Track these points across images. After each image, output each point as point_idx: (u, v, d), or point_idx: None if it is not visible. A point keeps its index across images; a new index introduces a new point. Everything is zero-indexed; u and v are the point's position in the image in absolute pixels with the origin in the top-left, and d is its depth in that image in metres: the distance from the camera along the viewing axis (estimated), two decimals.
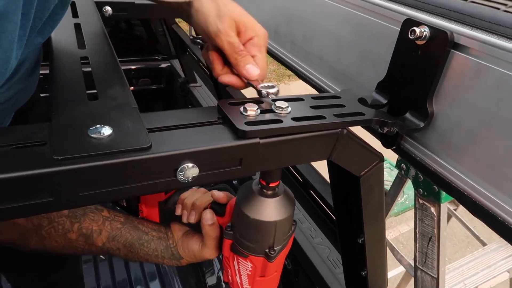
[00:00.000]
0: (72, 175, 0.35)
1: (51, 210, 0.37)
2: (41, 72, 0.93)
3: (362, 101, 0.55)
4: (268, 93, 0.52)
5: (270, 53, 0.96)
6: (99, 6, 0.89)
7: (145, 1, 0.97)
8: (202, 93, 1.86)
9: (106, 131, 0.39)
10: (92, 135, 0.39)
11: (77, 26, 0.71)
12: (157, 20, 2.03)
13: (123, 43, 2.10)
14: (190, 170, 0.40)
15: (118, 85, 0.51)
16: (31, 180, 0.34)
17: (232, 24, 0.56)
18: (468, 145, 0.49)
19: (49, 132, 0.39)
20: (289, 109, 0.47)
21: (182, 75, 1.97)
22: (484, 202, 0.48)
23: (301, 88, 5.11)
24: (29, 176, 0.34)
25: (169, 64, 2.14)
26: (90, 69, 0.54)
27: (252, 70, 0.54)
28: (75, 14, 0.77)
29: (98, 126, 0.40)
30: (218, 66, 0.60)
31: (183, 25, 2.02)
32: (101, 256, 1.77)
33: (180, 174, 0.40)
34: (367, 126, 0.58)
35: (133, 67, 2.09)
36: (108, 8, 0.91)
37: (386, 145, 0.59)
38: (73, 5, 0.81)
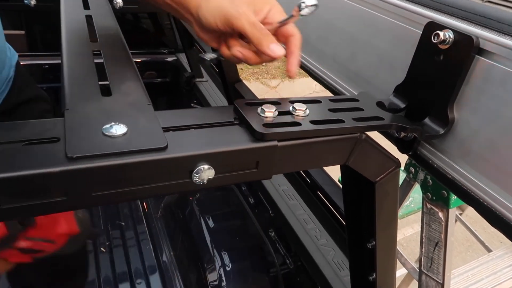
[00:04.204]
0: (87, 174, 0.34)
1: (62, 209, 0.36)
2: (46, 62, 0.93)
3: (380, 104, 0.54)
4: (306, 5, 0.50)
5: None
6: None
7: None
8: (209, 88, 1.84)
9: (121, 129, 0.38)
10: (107, 133, 0.37)
11: (89, 18, 0.69)
12: (164, 13, 2.01)
13: (129, 35, 2.08)
14: (206, 172, 0.39)
15: (132, 81, 0.50)
16: (44, 179, 0.33)
17: (248, 4, 0.54)
18: (489, 153, 0.48)
19: (63, 128, 0.38)
20: (308, 111, 0.46)
21: (189, 69, 1.95)
22: (505, 212, 0.47)
23: (305, 86, 5.09)
24: (42, 175, 0.33)
25: (175, 58, 2.12)
26: (103, 62, 0.53)
27: (276, 49, 0.51)
28: (86, 6, 0.75)
29: (113, 123, 0.39)
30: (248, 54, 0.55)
31: None
32: (102, 249, 1.76)
33: (196, 176, 0.39)
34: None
35: (138, 60, 2.08)
36: (119, 0, 0.90)
37: (403, 150, 0.58)
38: None
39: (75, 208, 0.37)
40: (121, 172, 0.36)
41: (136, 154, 0.36)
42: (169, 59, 2.13)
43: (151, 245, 1.76)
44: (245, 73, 5.55)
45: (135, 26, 2.14)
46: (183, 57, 2.07)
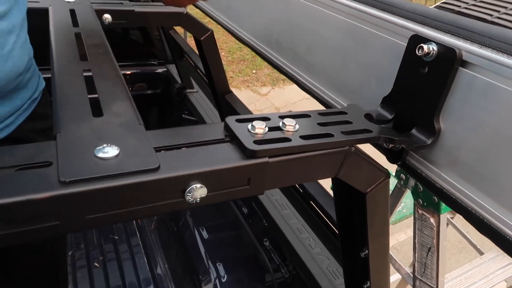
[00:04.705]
0: (80, 198, 0.34)
1: (55, 233, 0.36)
2: (45, 76, 0.93)
3: (368, 116, 0.55)
4: None
5: (271, 62, 0.95)
6: (99, 14, 0.88)
7: (145, 9, 0.96)
8: (199, 99, 1.85)
9: (113, 151, 0.38)
10: (99, 156, 0.38)
11: (78, 36, 0.70)
12: (154, 26, 2.02)
13: (118, 47, 2.08)
14: (199, 191, 0.40)
15: (123, 101, 0.50)
16: (37, 204, 0.33)
17: None
18: (475, 162, 0.49)
19: (55, 151, 0.38)
20: (297, 126, 0.47)
21: (179, 80, 1.96)
22: (491, 219, 0.48)
23: (295, 92, 5.11)
24: (35, 200, 0.33)
25: (166, 69, 2.13)
26: (93, 82, 0.53)
27: None
28: (75, 23, 0.76)
29: (104, 145, 0.39)
30: None
31: (180, 30, 2.01)
32: (95, 264, 1.75)
33: (189, 195, 0.39)
34: None
35: (128, 72, 2.08)
36: (108, 16, 0.90)
37: (392, 160, 0.59)
38: (73, 14, 0.80)
39: (67, 231, 0.37)
40: (115, 195, 0.36)
41: (129, 176, 0.36)
42: (159, 70, 2.13)
43: (145, 258, 1.75)
44: (235, 81, 5.57)
45: (125, 38, 2.14)
46: (173, 68, 2.08)
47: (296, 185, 1.14)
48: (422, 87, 0.52)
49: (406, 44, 0.54)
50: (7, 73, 0.76)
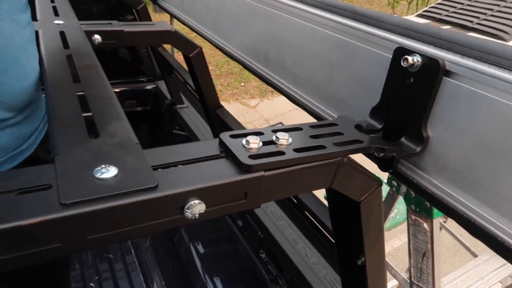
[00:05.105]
0: (81, 219, 0.35)
1: (58, 255, 0.37)
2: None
3: (358, 127, 0.56)
4: None
5: (259, 76, 0.97)
6: (89, 35, 0.89)
7: (134, 28, 0.98)
8: (190, 114, 1.85)
9: (112, 171, 0.39)
10: (98, 176, 0.38)
11: (69, 58, 0.70)
12: (142, 44, 2.03)
13: (108, 65, 2.09)
14: (197, 207, 0.41)
15: (118, 120, 0.51)
16: (39, 228, 0.33)
17: None
18: (464, 168, 0.51)
19: (54, 174, 0.38)
20: (290, 140, 0.48)
21: (169, 96, 1.97)
22: (482, 222, 0.50)
23: (285, 103, 5.15)
24: (37, 224, 0.33)
25: (155, 85, 2.14)
26: (87, 104, 0.54)
27: None
28: (65, 45, 0.77)
29: (103, 166, 0.40)
30: None
31: (167, 46, 2.03)
32: (91, 284, 1.73)
33: (188, 211, 0.40)
34: None
35: (117, 90, 2.08)
36: (98, 37, 0.91)
37: (383, 168, 0.60)
38: (63, 36, 0.81)
39: (68, 252, 0.38)
40: (115, 214, 0.36)
41: (129, 195, 0.37)
42: (149, 87, 2.14)
43: (141, 276, 1.74)
44: (224, 94, 5.60)
45: (114, 56, 2.15)
46: (162, 85, 2.09)
47: (291, 196, 1.15)
48: (408, 97, 0.54)
49: (391, 56, 0.56)
50: (30, 82, 0.77)
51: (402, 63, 0.53)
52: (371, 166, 0.62)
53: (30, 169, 0.40)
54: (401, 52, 0.54)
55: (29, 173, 0.39)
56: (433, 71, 0.50)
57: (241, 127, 1.14)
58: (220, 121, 1.13)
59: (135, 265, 1.76)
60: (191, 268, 1.59)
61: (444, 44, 0.51)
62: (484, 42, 0.48)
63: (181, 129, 1.89)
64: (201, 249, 1.63)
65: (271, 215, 1.22)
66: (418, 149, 0.53)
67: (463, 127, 0.49)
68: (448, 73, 0.50)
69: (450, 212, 0.53)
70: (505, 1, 2.85)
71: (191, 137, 1.75)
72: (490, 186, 0.48)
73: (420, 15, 3.12)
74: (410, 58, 0.51)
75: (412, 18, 3.20)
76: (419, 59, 0.51)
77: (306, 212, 1.07)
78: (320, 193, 1.11)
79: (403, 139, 0.55)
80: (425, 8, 3.25)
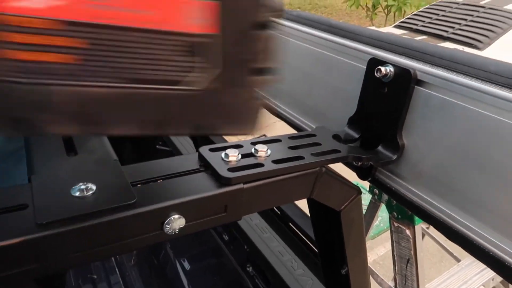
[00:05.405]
0: (58, 239, 0.35)
1: (35, 276, 0.36)
2: None
3: (336, 137, 0.57)
4: None
5: None
6: None
7: None
8: None
9: (90, 189, 0.39)
10: (76, 194, 0.38)
11: None
12: None
13: None
14: (177, 222, 0.41)
15: (96, 137, 0.51)
16: (14, 249, 0.33)
17: None
18: (438, 173, 0.52)
19: (30, 194, 0.38)
20: (269, 151, 0.49)
21: None
22: (460, 228, 0.51)
23: (268, 115, 5.16)
24: (12, 245, 0.33)
25: None
26: None
27: None
28: None
29: (81, 184, 0.39)
30: None
31: None
32: None
33: (167, 227, 0.40)
34: None
35: None
36: None
37: (362, 177, 0.61)
38: None
39: (52, 272, 0.37)
40: (94, 232, 0.36)
41: (107, 213, 0.37)
42: None
43: None
44: None
45: None
46: None
47: (274, 207, 1.15)
48: (383, 106, 0.55)
49: (365, 67, 0.57)
50: None
51: (375, 74, 0.54)
52: (352, 176, 0.63)
53: (6, 189, 0.39)
54: (374, 63, 0.55)
55: (5, 193, 0.38)
56: (406, 80, 0.52)
57: (223, 140, 1.15)
58: (202, 136, 1.13)
59: (119, 285, 1.72)
60: (178, 285, 1.57)
61: (416, 54, 0.53)
62: (454, 52, 0.50)
63: (164, 144, 1.88)
64: (187, 266, 1.61)
65: (256, 228, 1.21)
66: (395, 157, 0.55)
67: (436, 134, 0.51)
68: (420, 83, 0.52)
69: (428, 217, 0.54)
70: (478, 11, 2.95)
71: (174, 152, 1.74)
72: (463, 192, 0.49)
73: (397, 26, 3.20)
74: (383, 69, 0.53)
75: (390, 29, 3.28)
76: (392, 69, 0.53)
77: (290, 224, 1.08)
78: (304, 204, 1.12)
79: (380, 148, 0.56)
80: (402, 19, 3.34)
